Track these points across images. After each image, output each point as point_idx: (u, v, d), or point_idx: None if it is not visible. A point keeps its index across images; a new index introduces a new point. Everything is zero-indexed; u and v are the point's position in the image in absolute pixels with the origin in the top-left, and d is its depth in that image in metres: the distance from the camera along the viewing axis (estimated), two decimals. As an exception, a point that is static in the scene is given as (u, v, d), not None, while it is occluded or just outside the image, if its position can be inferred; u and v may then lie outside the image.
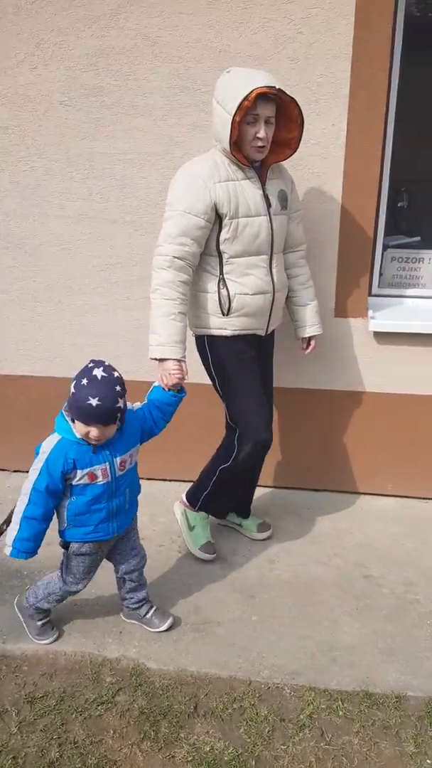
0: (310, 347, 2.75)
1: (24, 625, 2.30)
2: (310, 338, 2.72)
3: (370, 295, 3.04)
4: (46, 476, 1.96)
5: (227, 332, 2.43)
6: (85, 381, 1.88)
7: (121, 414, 1.99)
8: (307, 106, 2.58)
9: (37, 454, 2.00)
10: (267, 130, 2.23)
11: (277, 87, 2.17)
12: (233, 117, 2.15)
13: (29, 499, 1.98)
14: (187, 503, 2.79)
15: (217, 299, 2.39)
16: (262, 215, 2.35)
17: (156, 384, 2.27)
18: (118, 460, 2.05)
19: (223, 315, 2.40)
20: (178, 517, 2.84)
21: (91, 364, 1.93)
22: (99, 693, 2.12)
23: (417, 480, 3.19)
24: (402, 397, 3.04)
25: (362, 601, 2.56)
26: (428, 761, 1.94)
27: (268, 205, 2.37)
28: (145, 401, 2.23)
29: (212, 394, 2.59)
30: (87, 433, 1.93)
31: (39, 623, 2.28)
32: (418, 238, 3.09)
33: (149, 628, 2.35)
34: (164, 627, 2.34)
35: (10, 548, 2.01)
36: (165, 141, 2.78)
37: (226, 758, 1.92)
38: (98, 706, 2.08)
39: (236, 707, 2.09)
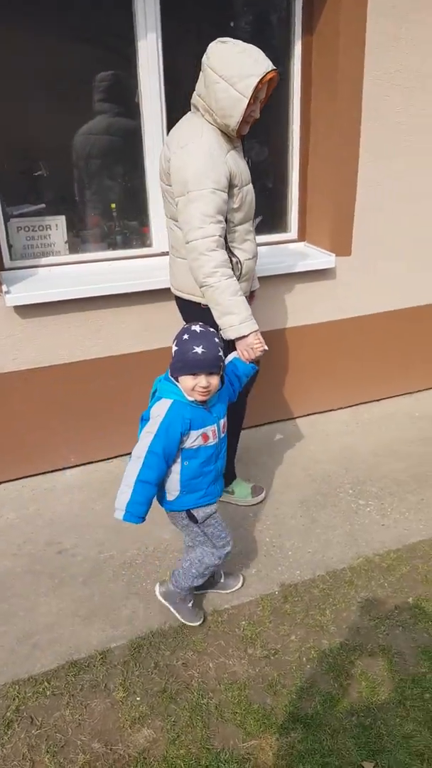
0: (253, 300, 2.77)
1: (175, 612, 2.28)
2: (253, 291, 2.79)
3: (3, 269, 2.92)
4: (163, 438, 1.91)
5: None
6: (186, 336, 1.90)
7: (223, 366, 1.98)
8: None
9: (145, 420, 1.96)
10: (259, 109, 2.30)
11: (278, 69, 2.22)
12: (249, 99, 2.16)
13: (144, 463, 1.91)
14: None
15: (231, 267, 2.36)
16: (250, 182, 2.44)
17: (234, 356, 2.28)
18: (221, 421, 2.05)
19: None
20: None
21: (186, 326, 1.94)
22: None
23: (95, 444, 3.24)
24: (58, 368, 3.02)
25: (57, 577, 2.52)
26: (137, 698, 2.01)
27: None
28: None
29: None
30: (194, 386, 1.90)
31: (190, 605, 2.28)
32: (42, 205, 3.05)
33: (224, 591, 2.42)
34: (238, 585, 2.44)
35: (123, 512, 1.92)
36: None
37: None
38: None
39: None
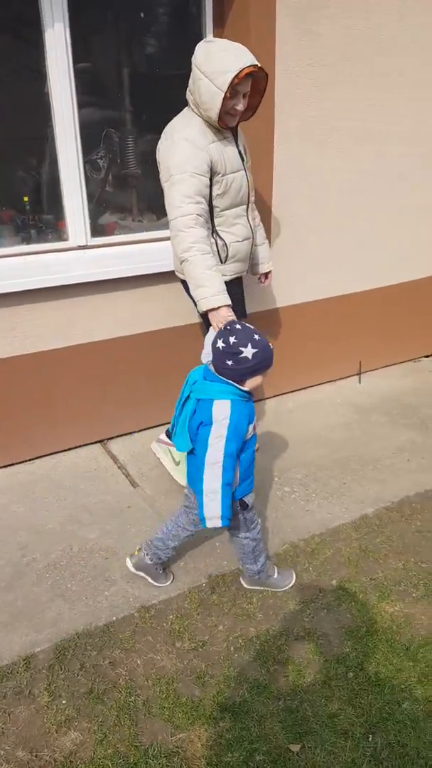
0: (268, 279, 3.09)
1: (271, 588, 2.41)
2: (266, 272, 3.05)
3: None
4: (234, 439, 1.95)
5: (226, 278, 2.63)
6: (256, 336, 1.95)
7: None
8: None
9: (209, 424, 1.95)
10: (243, 102, 2.44)
11: (258, 65, 2.35)
12: (225, 93, 2.32)
13: (224, 467, 1.93)
14: (171, 441, 2.98)
15: (216, 249, 2.60)
16: (240, 170, 2.60)
17: (209, 335, 2.48)
18: None
19: (222, 262, 2.64)
20: (161, 456, 3.10)
21: (235, 327, 1.96)
22: None
23: (15, 446, 3.14)
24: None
25: (-23, 583, 2.43)
26: (63, 701, 1.97)
27: (242, 160, 2.62)
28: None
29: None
30: (258, 384, 2.01)
31: (275, 575, 2.42)
32: None
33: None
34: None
35: (221, 519, 1.96)
36: None
37: None
38: None
39: None
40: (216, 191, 2.53)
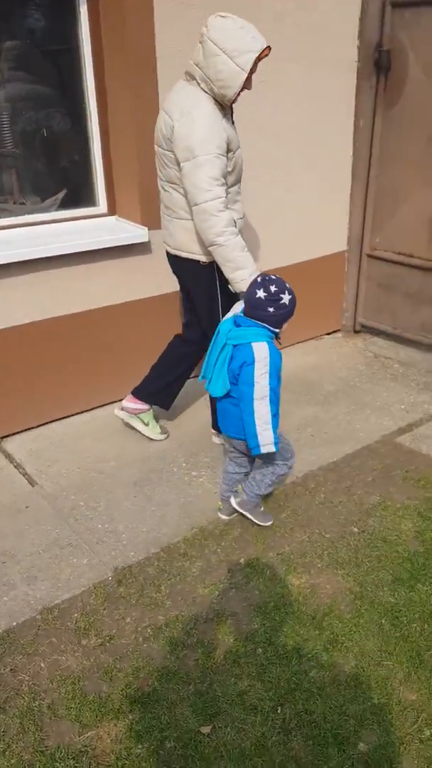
0: None
1: (251, 516, 2.59)
2: None
3: None
4: (275, 374, 2.23)
5: None
6: (287, 291, 2.23)
7: None
8: None
9: (251, 362, 2.19)
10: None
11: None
12: (248, 73, 2.35)
13: (270, 400, 2.22)
14: (140, 407, 3.17)
15: None
16: (240, 147, 2.60)
17: (239, 305, 2.43)
18: None
19: None
20: (129, 420, 3.22)
21: (271, 278, 2.23)
22: None
23: None
24: None
25: None
26: (-38, 717, 1.87)
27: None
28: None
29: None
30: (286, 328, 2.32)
31: (262, 509, 2.65)
32: None
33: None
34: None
35: (274, 444, 2.25)
36: None
37: None
38: None
39: None
40: (228, 168, 2.52)
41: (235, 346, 2.25)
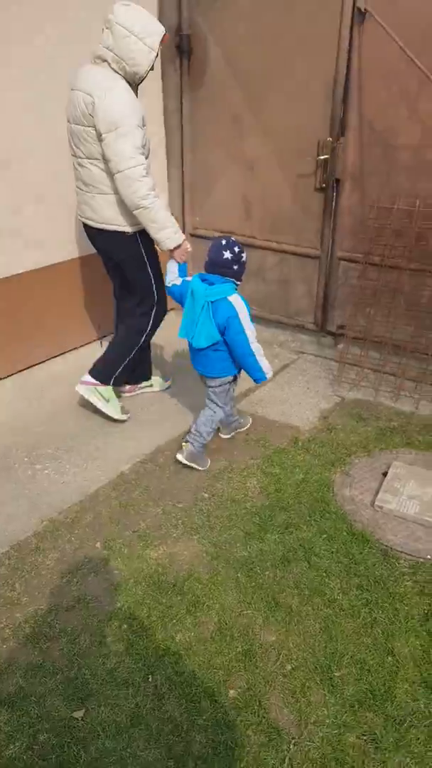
0: None
1: (196, 466, 2.85)
2: None
3: None
4: (251, 319, 2.62)
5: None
6: (244, 251, 2.62)
7: None
8: None
9: (235, 314, 2.55)
10: None
11: None
12: (156, 52, 2.63)
13: (256, 339, 2.64)
14: (98, 382, 3.15)
15: None
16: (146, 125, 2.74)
17: (173, 263, 2.86)
18: None
19: None
20: (89, 396, 3.16)
21: (231, 240, 2.60)
22: None
23: None
24: None
25: None
26: None
27: None
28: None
29: None
30: None
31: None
32: None
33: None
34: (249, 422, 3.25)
35: (271, 372, 2.72)
36: None
37: None
38: None
39: None
40: (143, 142, 2.70)
41: (212, 302, 2.55)
